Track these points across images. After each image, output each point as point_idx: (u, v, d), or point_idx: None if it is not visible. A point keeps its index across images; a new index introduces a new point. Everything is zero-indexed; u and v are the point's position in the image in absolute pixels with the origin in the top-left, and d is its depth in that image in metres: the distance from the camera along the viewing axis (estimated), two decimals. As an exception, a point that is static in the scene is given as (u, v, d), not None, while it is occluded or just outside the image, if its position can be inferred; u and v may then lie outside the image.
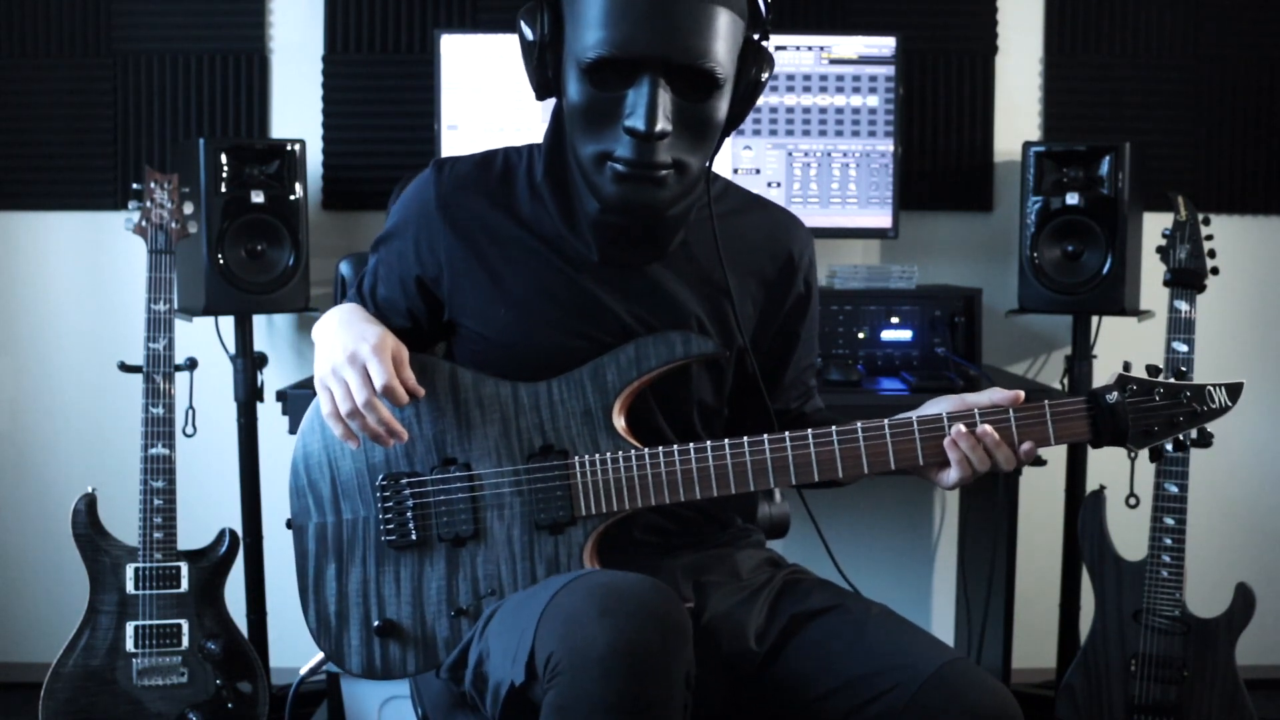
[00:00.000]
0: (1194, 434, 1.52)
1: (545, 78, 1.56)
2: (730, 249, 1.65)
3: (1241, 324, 3.22)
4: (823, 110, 2.91)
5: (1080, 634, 2.84)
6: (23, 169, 3.14)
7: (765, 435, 1.53)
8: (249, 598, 2.92)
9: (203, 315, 2.78)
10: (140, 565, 2.52)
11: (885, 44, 2.90)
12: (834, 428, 1.53)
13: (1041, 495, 3.02)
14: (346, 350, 1.52)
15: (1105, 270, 2.76)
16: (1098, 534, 2.62)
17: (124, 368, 2.62)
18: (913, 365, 2.77)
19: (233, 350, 2.90)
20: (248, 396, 2.90)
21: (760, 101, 1.60)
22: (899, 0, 3.14)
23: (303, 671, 2.77)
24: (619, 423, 1.57)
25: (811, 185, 2.92)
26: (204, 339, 2.88)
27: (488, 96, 2.88)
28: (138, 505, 2.53)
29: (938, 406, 1.54)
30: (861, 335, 2.78)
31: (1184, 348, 2.48)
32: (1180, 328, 2.49)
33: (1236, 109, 3.17)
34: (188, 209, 2.59)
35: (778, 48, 2.81)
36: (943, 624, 3.26)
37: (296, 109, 3.14)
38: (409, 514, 1.58)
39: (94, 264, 3.18)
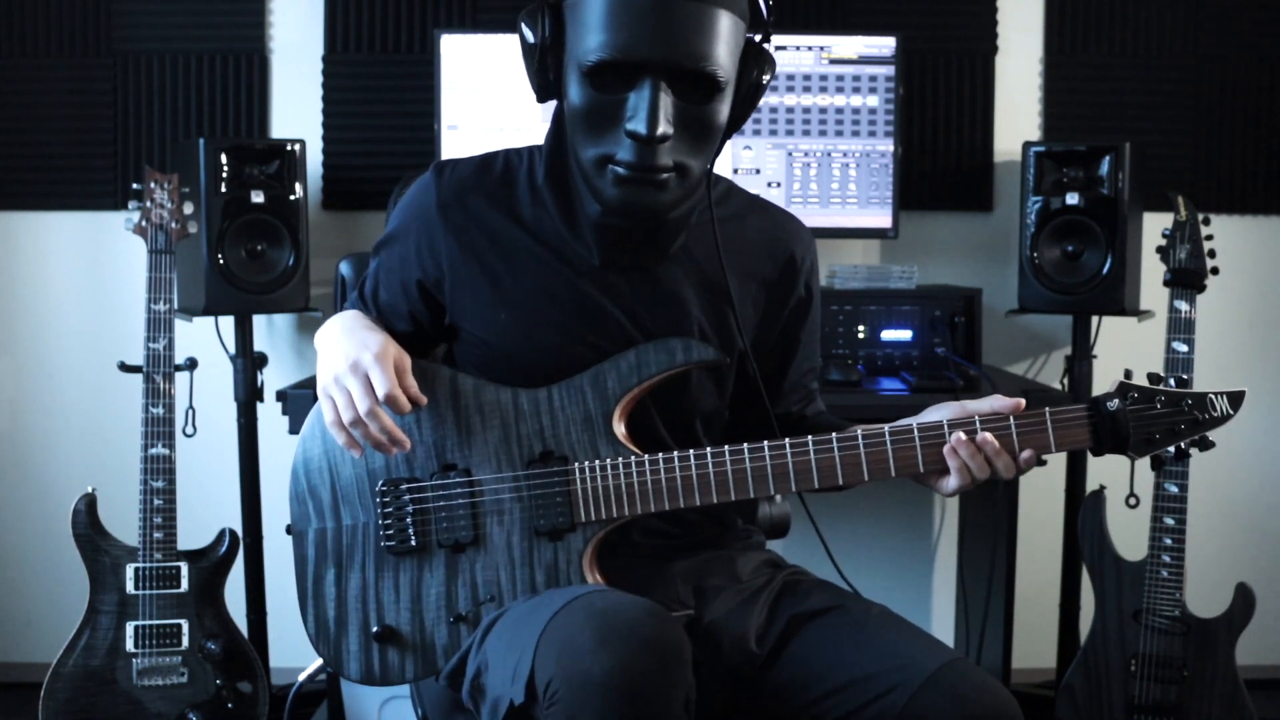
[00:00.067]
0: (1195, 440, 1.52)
1: (546, 80, 1.56)
2: (731, 251, 1.65)
3: (1241, 324, 3.22)
4: (823, 110, 2.91)
5: (1080, 634, 2.84)
6: (23, 169, 3.14)
7: (765, 442, 1.53)
8: (249, 598, 2.92)
9: (203, 315, 2.78)
10: (140, 565, 2.52)
11: (885, 44, 2.89)
12: (834, 435, 1.53)
13: (1041, 495, 3.02)
14: (349, 359, 1.52)
15: (1105, 270, 2.76)
16: (1098, 534, 2.62)
17: (124, 368, 2.62)
18: (913, 365, 2.77)
19: (233, 350, 2.90)
20: (248, 396, 2.90)
21: (760, 102, 1.60)
22: (899, 0, 3.13)
23: (300, 678, 2.78)
24: (619, 429, 1.56)
25: (811, 185, 2.92)
26: (204, 339, 2.88)
27: (488, 96, 2.88)
28: (138, 505, 2.53)
29: (938, 413, 1.54)
30: (861, 335, 2.78)
31: (1184, 348, 2.48)
32: (1180, 328, 2.49)
33: (1236, 109, 3.16)
34: (188, 209, 2.59)
35: (778, 48, 2.80)
36: (943, 624, 3.26)
37: (296, 109, 3.14)
38: (409, 520, 1.58)
39: (94, 264, 3.18)
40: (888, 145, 2.91)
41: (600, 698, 1.29)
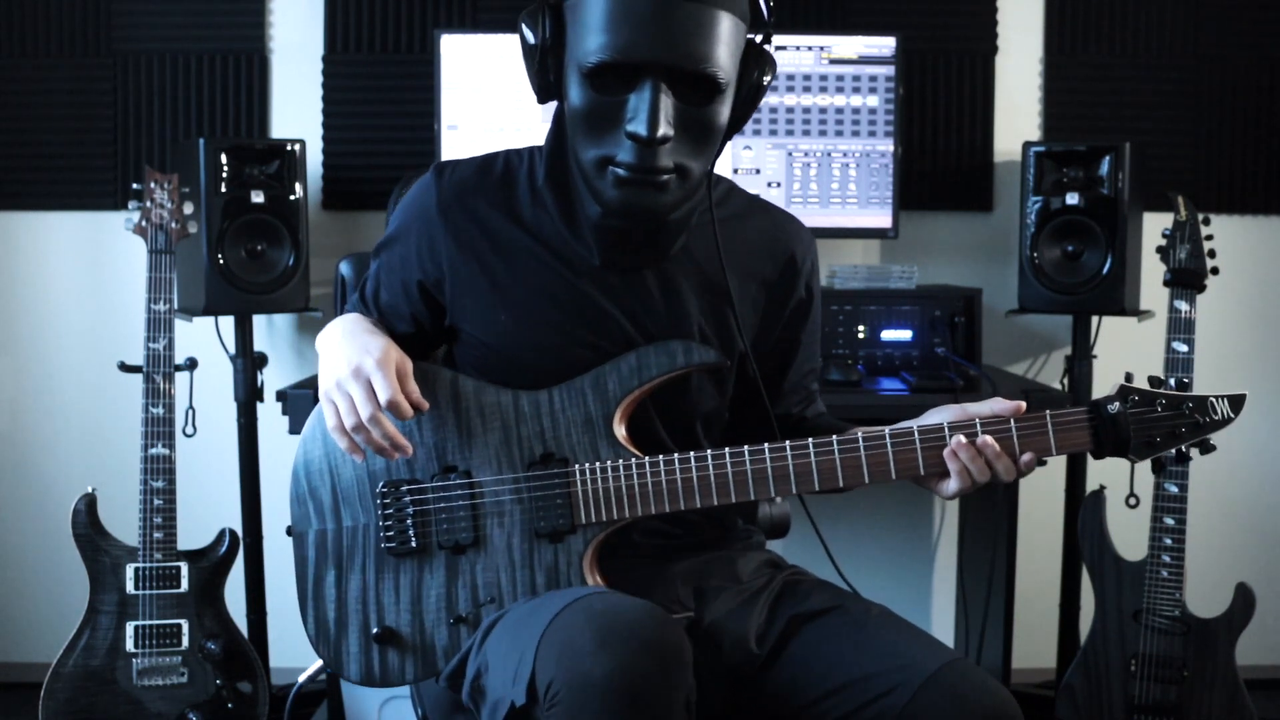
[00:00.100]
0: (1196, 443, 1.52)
1: (547, 81, 1.56)
2: (732, 252, 1.65)
3: (1241, 324, 3.22)
4: (823, 110, 2.91)
5: (1080, 634, 2.84)
6: (23, 169, 3.14)
7: (766, 444, 1.53)
8: (249, 598, 2.92)
9: (203, 315, 2.78)
10: (140, 565, 2.52)
11: (885, 44, 2.89)
12: (835, 437, 1.53)
13: (1041, 495, 3.02)
14: (350, 363, 1.51)
15: (1105, 270, 2.76)
16: (1098, 534, 2.62)
17: (124, 368, 2.62)
18: (913, 365, 2.77)
19: (233, 350, 2.90)
20: (248, 396, 2.90)
21: (760, 102, 1.60)
22: (899, 0, 3.13)
23: (301, 678, 2.78)
24: (619, 431, 1.56)
25: (811, 185, 2.92)
26: (204, 339, 2.88)
27: (488, 97, 2.88)
28: (138, 505, 2.53)
29: (938, 416, 1.54)
30: (861, 335, 2.78)
31: (1184, 348, 2.48)
32: (1180, 328, 2.49)
33: (1236, 109, 3.16)
34: (188, 209, 2.59)
35: (778, 48, 2.80)
36: (943, 624, 3.26)
37: (296, 109, 3.14)
38: (409, 521, 1.58)
39: (94, 264, 3.18)
40: (888, 145, 2.91)
41: (601, 699, 1.29)
